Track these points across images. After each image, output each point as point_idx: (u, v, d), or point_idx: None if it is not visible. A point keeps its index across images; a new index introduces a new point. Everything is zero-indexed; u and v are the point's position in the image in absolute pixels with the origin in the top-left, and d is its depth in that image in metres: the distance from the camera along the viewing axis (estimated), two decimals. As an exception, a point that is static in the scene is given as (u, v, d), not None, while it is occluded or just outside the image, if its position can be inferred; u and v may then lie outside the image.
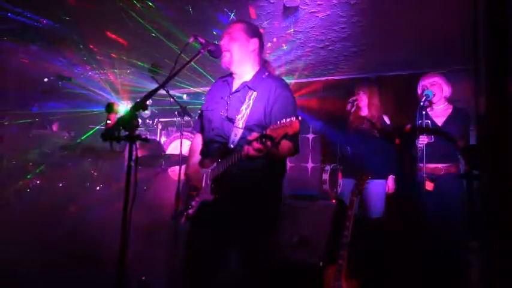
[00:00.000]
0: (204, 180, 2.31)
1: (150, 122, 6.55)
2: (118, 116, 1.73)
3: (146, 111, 6.59)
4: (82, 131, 5.43)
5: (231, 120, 2.26)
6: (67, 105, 5.70)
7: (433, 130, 3.43)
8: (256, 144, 1.85)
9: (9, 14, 4.09)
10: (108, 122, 1.72)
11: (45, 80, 4.90)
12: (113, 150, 1.77)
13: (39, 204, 4.02)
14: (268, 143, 1.84)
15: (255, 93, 2.28)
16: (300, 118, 1.86)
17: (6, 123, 4.71)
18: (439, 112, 3.70)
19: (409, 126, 3.42)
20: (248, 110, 2.24)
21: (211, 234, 2.29)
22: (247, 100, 2.27)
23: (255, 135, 1.87)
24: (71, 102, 5.76)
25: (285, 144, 2.10)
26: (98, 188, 4.44)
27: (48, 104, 5.37)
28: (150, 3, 3.88)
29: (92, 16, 4.07)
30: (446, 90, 3.70)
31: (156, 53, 4.61)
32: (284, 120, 1.84)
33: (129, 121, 1.71)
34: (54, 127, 5.62)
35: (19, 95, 5.07)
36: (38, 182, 4.44)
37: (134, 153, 1.74)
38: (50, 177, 4.48)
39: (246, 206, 2.21)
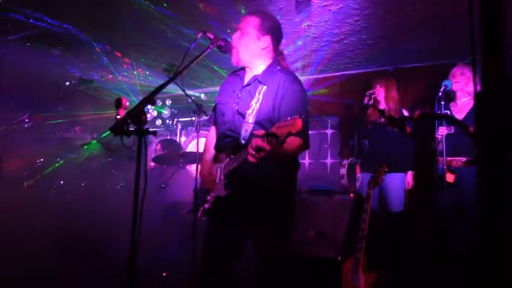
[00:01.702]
0: (217, 176, 2.32)
1: (170, 122, 6.66)
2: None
3: (165, 112, 6.71)
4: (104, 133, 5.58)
5: (242, 115, 2.26)
6: (89, 107, 5.86)
7: (440, 115, 3.33)
8: (261, 143, 1.83)
9: (31, 20, 4.24)
10: (118, 117, 1.75)
11: (67, 83, 5.04)
12: (124, 145, 1.80)
13: (63, 203, 4.14)
14: (273, 141, 1.83)
15: (265, 87, 2.26)
16: (304, 116, 1.84)
17: (26, 125, 4.86)
18: (462, 107, 3.60)
19: (417, 112, 3.36)
20: (258, 105, 2.22)
21: (225, 229, 2.30)
22: (257, 94, 2.26)
23: (260, 132, 1.86)
24: (93, 105, 5.91)
25: (294, 140, 2.07)
26: (118, 186, 4.54)
27: (71, 107, 5.52)
28: (165, 4, 3.94)
29: (109, 19, 4.16)
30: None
31: (174, 53, 4.69)
32: (289, 118, 1.81)
33: (138, 115, 1.74)
34: (77, 130, 5.77)
35: (42, 98, 5.22)
36: (61, 182, 4.58)
37: (148, 148, 1.76)
38: (73, 177, 4.61)
39: (259, 202, 2.21)
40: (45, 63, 5.03)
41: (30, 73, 4.93)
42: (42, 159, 4.87)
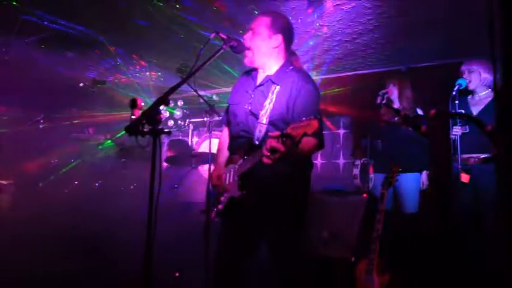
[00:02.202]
0: (231, 176, 2.32)
1: (182, 123, 6.69)
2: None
3: (177, 112, 6.74)
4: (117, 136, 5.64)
5: (255, 116, 2.26)
6: (102, 108, 5.92)
7: (456, 114, 3.28)
8: (276, 144, 1.82)
9: (45, 23, 4.30)
10: (133, 117, 1.77)
11: (81, 84, 5.10)
12: (139, 145, 1.81)
13: (77, 203, 4.19)
14: (288, 142, 1.82)
15: (278, 87, 2.25)
16: (319, 116, 1.84)
17: (41, 126, 4.93)
18: (479, 101, 3.55)
19: (433, 111, 3.32)
20: (271, 105, 2.22)
21: (239, 230, 2.31)
22: (270, 95, 2.25)
23: (275, 134, 1.86)
24: (107, 106, 5.97)
25: (309, 141, 2.06)
26: (131, 187, 4.58)
27: (85, 108, 5.59)
28: (177, 6, 3.96)
29: (122, 20, 4.20)
30: (487, 78, 3.51)
31: (186, 54, 4.71)
32: (304, 118, 1.80)
33: (153, 115, 1.75)
34: (91, 131, 5.83)
35: (56, 99, 5.30)
36: (76, 182, 4.63)
37: (160, 148, 1.77)
38: (87, 178, 4.66)
39: (273, 202, 2.21)
40: (59, 64, 5.10)
41: (44, 75, 5.00)
42: (56, 160, 4.93)
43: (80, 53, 4.94)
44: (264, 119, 2.21)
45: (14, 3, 3.92)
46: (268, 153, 1.86)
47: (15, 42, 4.64)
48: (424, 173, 3.97)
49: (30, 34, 4.54)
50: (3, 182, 4.93)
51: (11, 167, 4.98)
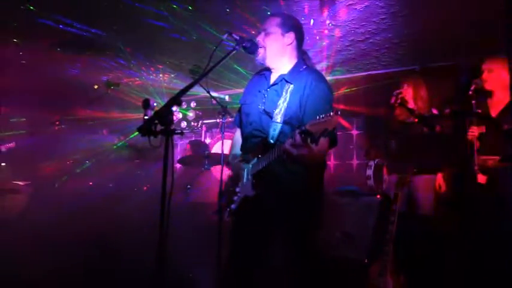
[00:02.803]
0: (245, 176, 2.32)
1: (195, 124, 6.72)
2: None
3: (190, 114, 6.78)
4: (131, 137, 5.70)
5: (269, 115, 2.26)
6: (116, 110, 5.99)
7: (472, 113, 3.22)
8: (296, 139, 1.84)
9: (60, 26, 4.36)
10: (145, 117, 1.78)
11: (95, 87, 5.16)
12: (151, 145, 1.82)
13: (91, 204, 4.23)
14: (308, 139, 1.82)
15: (291, 86, 2.26)
16: (339, 112, 1.83)
17: (57, 127, 5.00)
18: (497, 102, 3.48)
19: (448, 110, 3.27)
20: (285, 104, 2.22)
21: (253, 229, 2.30)
22: (284, 93, 2.26)
23: (297, 131, 1.86)
24: (120, 108, 6.03)
25: (324, 140, 2.04)
26: (145, 188, 4.61)
27: (99, 109, 5.66)
28: (190, 7, 3.99)
29: (135, 22, 4.24)
30: (506, 78, 3.43)
31: (199, 55, 4.73)
32: (323, 115, 1.80)
33: (165, 115, 1.76)
34: (105, 132, 5.90)
35: (71, 102, 5.38)
36: (90, 183, 4.69)
37: (175, 148, 1.77)
38: (101, 179, 4.72)
39: (287, 202, 2.20)
40: (74, 67, 5.18)
41: (60, 77, 5.08)
42: (71, 161, 5.00)
43: (94, 55, 5.00)
44: (278, 117, 2.21)
45: (31, 7, 3.99)
46: (290, 149, 1.88)
47: (32, 45, 4.72)
48: (440, 174, 3.91)
49: (46, 37, 4.61)
50: (20, 183, 5.02)
51: (27, 168, 5.07)
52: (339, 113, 1.82)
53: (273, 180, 2.20)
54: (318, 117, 1.81)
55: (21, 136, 5.36)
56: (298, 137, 1.85)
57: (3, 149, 4.94)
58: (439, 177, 3.91)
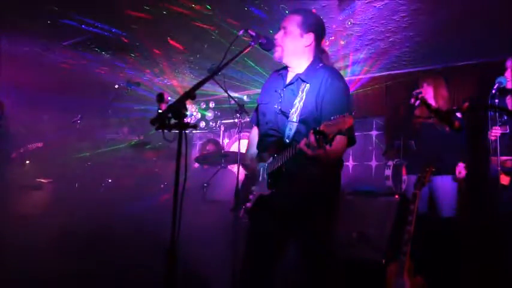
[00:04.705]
0: (260, 175, 2.32)
1: (213, 124, 6.77)
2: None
3: (209, 114, 6.83)
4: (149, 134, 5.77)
5: (285, 114, 2.24)
6: (136, 109, 6.08)
7: (490, 106, 3.12)
8: (310, 140, 1.82)
9: (83, 26, 4.46)
10: (159, 111, 1.78)
11: (116, 86, 5.24)
12: (165, 138, 1.83)
13: (109, 202, 4.29)
14: (322, 139, 1.80)
15: (308, 85, 2.23)
16: (353, 113, 1.81)
17: (78, 126, 5.11)
18: None
19: (466, 104, 3.18)
20: (301, 103, 2.20)
21: (268, 228, 2.28)
22: (300, 93, 2.24)
23: (312, 131, 1.85)
24: (140, 107, 6.12)
25: (340, 139, 2.03)
26: (162, 186, 4.65)
27: (120, 109, 5.75)
28: (208, 6, 4.01)
29: (154, 22, 4.30)
30: None
31: (217, 54, 4.75)
32: (338, 115, 1.78)
33: (179, 109, 1.76)
34: (125, 131, 5.99)
35: (93, 100, 5.48)
36: (109, 180, 4.76)
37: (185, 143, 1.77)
38: (121, 176, 4.78)
39: (303, 201, 2.17)
40: (95, 66, 5.28)
41: (82, 76, 5.18)
42: (91, 160, 5.10)
43: (115, 55, 5.09)
44: (294, 117, 2.19)
45: (56, 8, 4.08)
46: (305, 148, 1.88)
47: (53, 45, 4.83)
48: (461, 164, 3.79)
49: (68, 37, 4.71)
50: (43, 180, 5.14)
51: (51, 166, 5.18)
52: (353, 113, 1.81)
53: (289, 180, 2.18)
54: (332, 118, 1.79)
55: (44, 134, 5.49)
56: (312, 138, 1.83)
57: (31, 148, 5.10)
58: (460, 165, 3.80)
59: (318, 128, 1.80)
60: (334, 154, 2.08)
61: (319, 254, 2.20)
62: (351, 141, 2.18)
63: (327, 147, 1.85)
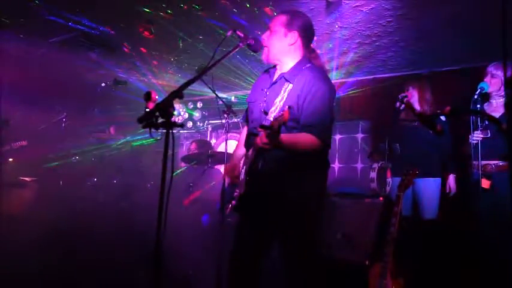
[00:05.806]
0: (242, 173, 2.33)
1: (201, 124, 6.77)
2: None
3: (196, 114, 6.81)
4: (136, 134, 5.74)
5: (266, 113, 2.24)
6: (123, 108, 6.03)
7: (472, 111, 3.19)
8: (260, 135, 1.90)
9: (70, 23, 4.41)
10: (147, 109, 1.78)
11: (103, 84, 5.20)
12: (152, 137, 1.82)
13: (94, 201, 4.26)
14: (268, 132, 1.85)
15: (290, 85, 2.23)
16: (291, 109, 1.84)
17: (64, 124, 5.05)
18: (497, 107, 3.46)
19: (448, 108, 3.23)
20: (281, 103, 2.19)
21: (251, 228, 2.30)
22: (282, 92, 2.23)
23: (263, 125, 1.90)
24: (127, 106, 6.08)
25: (305, 136, 2.10)
26: (148, 185, 4.63)
27: (106, 108, 5.70)
28: (197, 6, 4.00)
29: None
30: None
31: (205, 56, 4.75)
32: (286, 108, 1.83)
33: (166, 108, 1.76)
34: (112, 130, 5.94)
35: (79, 99, 5.42)
36: (95, 179, 4.72)
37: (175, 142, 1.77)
38: (106, 175, 4.74)
39: (279, 202, 2.18)
40: (82, 65, 5.22)
41: (68, 74, 5.12)
42: (77, 158, 5.04)
43: (102, 53, 5.04)
44: (272, 116, 2.16)
45: (37, 1, 4.01)
46: (261, 144, 1.94)
47: (39, 43, 4.76)
48: (451, 176, 3.90)
49: (54, 35, 4.65)
50: (26, 178, 5.07)
51: (35, 165, 5.11)
52: (291, 108, 1.85)
53: (267, 179, 2.19)
54: (279, 112, 1.85)
55: (28, 133, 5.41)
56: (261, 133, 1.89)
57: (15, 146, 5.02)
58: (451, 179, 3.91)
59: (263, 123, 1.88)
60: (296, 148, 2.10)
61: (301, 254, 2.20)
62: (321, 142, 2.14)
63: (282, 139, 1.93)
